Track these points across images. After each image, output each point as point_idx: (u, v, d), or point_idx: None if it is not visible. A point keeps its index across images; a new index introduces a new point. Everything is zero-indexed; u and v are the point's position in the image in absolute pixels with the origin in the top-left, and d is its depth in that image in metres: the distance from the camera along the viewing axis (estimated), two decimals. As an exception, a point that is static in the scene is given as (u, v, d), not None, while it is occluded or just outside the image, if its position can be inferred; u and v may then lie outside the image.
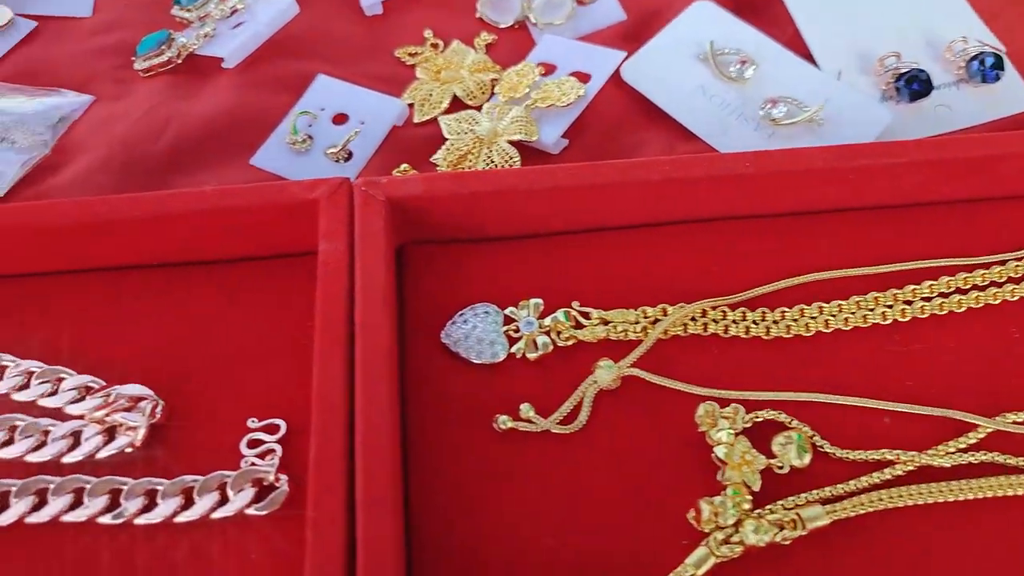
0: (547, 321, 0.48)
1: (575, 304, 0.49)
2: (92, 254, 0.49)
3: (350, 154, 0.61)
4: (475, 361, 0.47)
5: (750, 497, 0.42)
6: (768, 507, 0.43)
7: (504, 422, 0.45)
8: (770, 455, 0.44)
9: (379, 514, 0.39)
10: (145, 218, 0.49)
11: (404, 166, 0.59)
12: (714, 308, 0.48)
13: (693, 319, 0.48)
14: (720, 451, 0.44)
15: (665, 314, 0.48)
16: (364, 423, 0.41)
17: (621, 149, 0.60)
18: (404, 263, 0.50)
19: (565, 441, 0.45)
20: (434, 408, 0.46)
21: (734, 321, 0.48)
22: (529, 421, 0.45)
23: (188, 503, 0.42)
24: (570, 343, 0.48)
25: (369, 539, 0.39)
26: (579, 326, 0.48)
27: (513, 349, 0.47)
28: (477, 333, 0.48)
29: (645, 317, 0.48)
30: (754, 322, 0.49)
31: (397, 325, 0.46)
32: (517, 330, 0.48)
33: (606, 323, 0.48)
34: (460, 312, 0.48)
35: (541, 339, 0.47)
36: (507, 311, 0.48)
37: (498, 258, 0.51)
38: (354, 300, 0.44)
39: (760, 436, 0.44)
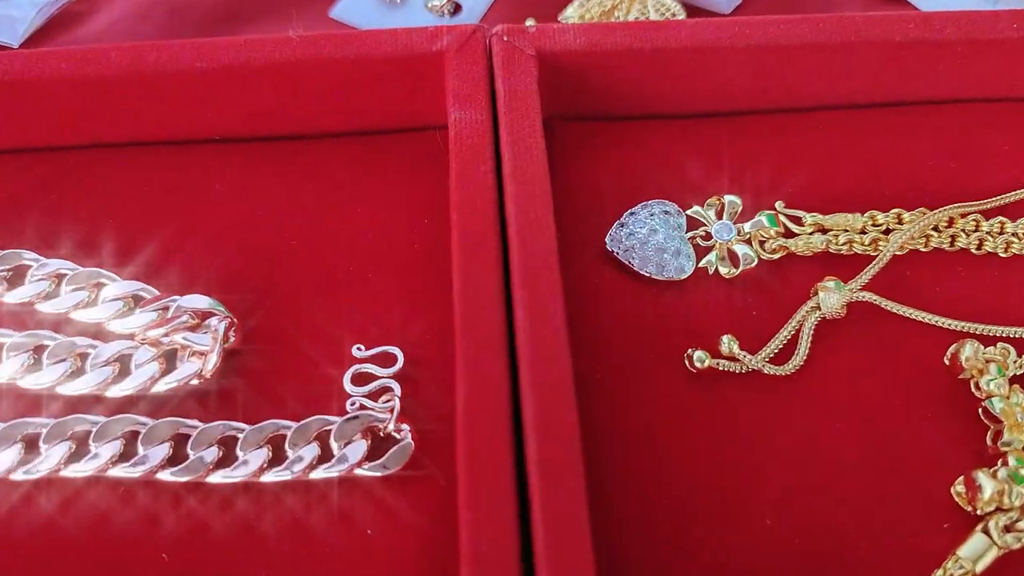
0: (747, 227, 0.39)
1: (780, 205, 0.40)
2: (142, 121, 0.40)
3: (458, 6, 0.50)
4: (653, 276, 0.38)
5: (1039, 470, 0.33)
6: (1055, 482, 0.34)
7: (700, 359, 0.36)
8: (1052, 411, 0.35)
9: (561, 481, 0.29)
10: (211, 71, 0.38)
11: (530, 21, 0.47)
12: (964, 216, 0.40)
13: (937, 229, 0.40)
14: (995, 405, 0.35)
15: (900, 222, 0.40)
16: (531, 354, 0.32)
17: (806, 11, 0.47)
18: (551, 143, 0.40)
19: (779, 385, 0.36)
20: (603, 337, 0.37)
21: (990, 233, 0.40)
22: (732, 358, 0.36)
23: (277, 457, 0.34)
24: (777, 256, 0.39)
25: (551, 515, 0.29)
26: (789, 234, 0.39)
27: (703, 262, 0.39)
28: (656, 240, 0.38)
29: (875, 225, 0.40)
30: (1015, 235, 0.40)
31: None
32: (707, 237, 0.39)
33: (824, 231, 0.40)
34: (630, 211, 0.39)
35: (742, 249, 0.39)
36: (690, 211, 0.40)
37: (676, 141, 0.42)
38: (503, 189, 0.35)
39: (1033, 386, 0.36)
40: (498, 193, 0.35)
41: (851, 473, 0.34)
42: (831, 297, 0.37)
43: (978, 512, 0.33)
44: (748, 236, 0.39)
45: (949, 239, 0.39)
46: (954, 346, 0.36)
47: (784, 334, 0.36)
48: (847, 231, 0.39)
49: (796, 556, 0.33)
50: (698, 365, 0.36)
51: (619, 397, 0.35)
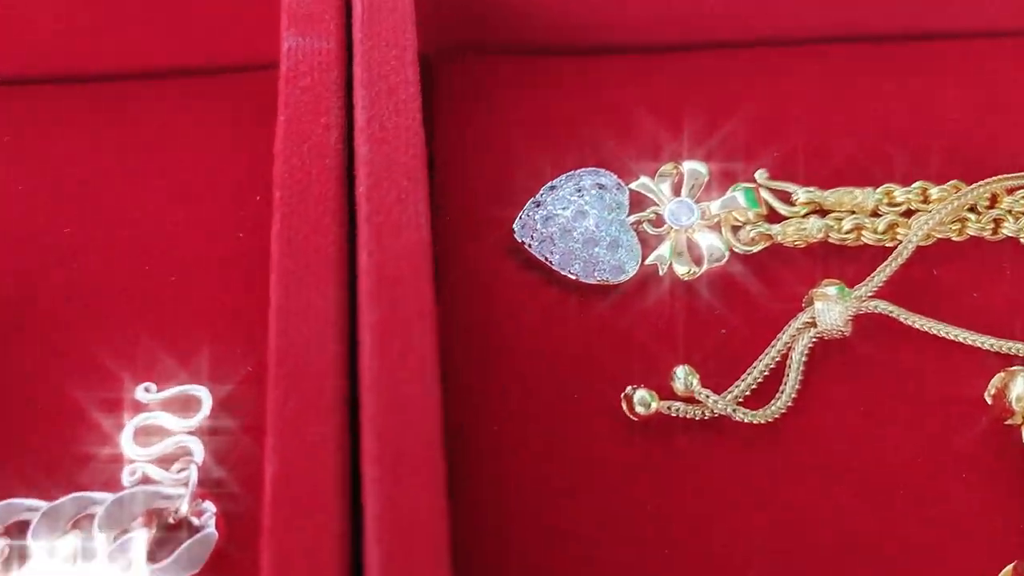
0: (715, 207, 0.34)
1: (762, 176, 0.35)
2: None
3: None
4: (580, 279, 0.33)
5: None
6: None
7: (644, 402, 0.30)
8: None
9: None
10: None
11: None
12: (1011, 191, 0.35)
13: (975, 211, 0.35)
14: (1055, 464, 0.30)
15: (926, 200, 0.35)
16: (381, 411, 0.25)
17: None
18: (435, 87, 0.36)
19: (757, 437, 0.31)
20: (505, 370, 0.32)
21: (1047, 217, 0.36)
22: (690, 399, 0.31)
23: (15, 554, 0.29)
24: (757, 248, 0.34)
25: None
26: (774, 217, 0.35)
27: (651, 258, 0.34)
28: (585, 227, 0.33)
29: (891, 205, 0.35)
30: (1082, 220, 0.36)
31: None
32: (658, 222, 0.34)
33: (823, 212, 0.35)
34: (549, 184, 0.34)
35: (707, 239, 0.34)
36: (635, 185, 0.35)
37: (617, 85, 0.37)
38: (354, 151, 0.29)
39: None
40: (346, 159, 0.28)
41: (857, 560, 0.29)
42: (831, 309, 0.32)
43: (1039, 613, 0.29)
44: (716, 220, 0.34)
45: (992, 224, 0.34)
46: (1000, 377, 0.31)
47: (764, 363, 0.31)
48: (854, 213, 0.34)
49: None
50: (641, 410, 0.30)
51: (527, 462, 0.29)
